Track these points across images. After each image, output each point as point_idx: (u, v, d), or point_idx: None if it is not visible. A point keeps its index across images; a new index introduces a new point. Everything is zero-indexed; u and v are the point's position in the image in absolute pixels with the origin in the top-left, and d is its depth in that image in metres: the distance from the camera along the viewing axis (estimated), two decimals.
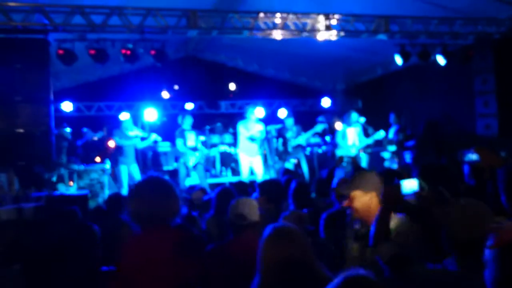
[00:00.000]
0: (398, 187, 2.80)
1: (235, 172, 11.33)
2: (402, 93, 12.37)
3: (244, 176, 9.35)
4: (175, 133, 9.66)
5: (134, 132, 9.67)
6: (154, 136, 9.97)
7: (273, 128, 11.03)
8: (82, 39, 7.42)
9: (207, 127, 12.17)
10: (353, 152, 9.75)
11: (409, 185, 2.85)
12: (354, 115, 10.04)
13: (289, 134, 9.98)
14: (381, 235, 2.68)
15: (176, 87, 14.18)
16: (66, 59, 7.53)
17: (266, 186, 4.61)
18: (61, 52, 7.42)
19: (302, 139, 10.01)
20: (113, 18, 7.40)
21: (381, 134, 9.84)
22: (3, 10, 6.84)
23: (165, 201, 2.42)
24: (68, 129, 10.48)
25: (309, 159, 11.34)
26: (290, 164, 9.67)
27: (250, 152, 9.40)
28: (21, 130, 6.75)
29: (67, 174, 8.90)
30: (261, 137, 9.49)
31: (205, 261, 2.89)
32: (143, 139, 9.83)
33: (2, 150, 6.72)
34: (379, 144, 10.90)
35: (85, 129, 11.48)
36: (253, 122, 9.51)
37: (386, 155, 11.02)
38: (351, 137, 9.92)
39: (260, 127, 9.49)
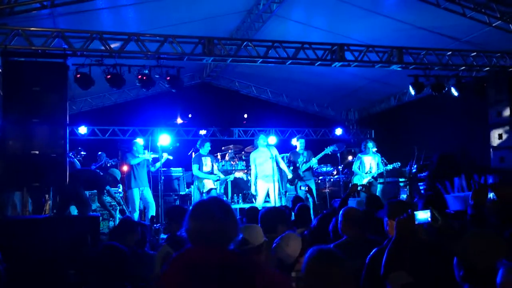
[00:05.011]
0: (411, 218, 2.79)
1: (246, 199, 11.30)
2: (416, 124, 12.34)
3: (259, 201, 9.35)
4: (192, 158, 9.70)
5: (146, 155, 9.74)
6: (166, 155, 10.01)
7: (285, 155, 11.02)
8: (99, 64, 7.55)
9: (219, 153, 12.22)
10: (368, 180, 9.72)
11: (422, 216, 2.84)
12: (370, 144, 10.04)
13: (300, 159, 9.95)
14: (393, 264, 2.66)
15: (189, 116, 14.32)
16: (84, 83, 7.64)
17: (263, 216, 4.59)
18: (78, 76, 7.55)
19: (313, 162, 9.92)
20: (131, 44, 7.55)
21: (398, 164, 9.80)
22: (24, 35, 7.03)
23: (222, 222, 2.40)
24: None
25: (321, 188, 11.29)
26: (301, 192, 9.62)
27: (266, 178, 9.42)
28: (36, 152, 6.81)
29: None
30: (272, 161, 9.46)
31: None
32: (155, 160, 9.89)
33: (17, 171, 6.77)
34: (395, 174, 10.84)
35: (100, 153, 11.58)
36: (263, 148, 9.53)
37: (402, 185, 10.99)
38: (368, 165, 9.92)
39: (268, 153, 9.46)
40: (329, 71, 10.60)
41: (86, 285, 3.13)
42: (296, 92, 14.54)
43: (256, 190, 9.68)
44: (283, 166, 9.79)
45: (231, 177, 10.66)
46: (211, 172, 9.67)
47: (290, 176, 9.80)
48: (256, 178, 9.60)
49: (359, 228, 3.95)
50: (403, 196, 10.40)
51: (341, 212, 4.08)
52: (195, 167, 9.55)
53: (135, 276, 3.51)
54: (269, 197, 9.50)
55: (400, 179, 11.17)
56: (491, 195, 4.09)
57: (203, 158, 9.66)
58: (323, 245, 2.61)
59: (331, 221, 4.54)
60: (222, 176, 10.06)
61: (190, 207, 2.50)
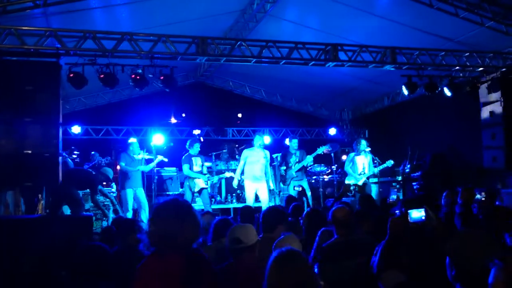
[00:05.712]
0: (405, 217, 2.79)
1: (240, 198, 11.30)
2: (409, 124, 12.39)
3: (249, 202, 9.28)
4: (182, 158, 9.68)
5: (140, 156, 9.70)
6: (160, 157, 9.97)
7: (278, 155, 11.02)
8: (92, 63, 7.50)
9: (213, 153, 12.21)
10: (361, 180, 9.67)
11: (416, 215, 2.84)
12: (363, 143, 9.95)
13: (292, 159, 9.91)
14: (386, 263, 2.66)
15: (183, 115, 14.31)
16: (77, 82, 7.59)
17: (265, 215, 4.62)
18: (72, 75, 7.50)
19: (308, 160, 9.86)
20: (124, 43, 7.52)
21: (390, 162, 9.76)
22: (17, 34, 6.99)
23: (181, 225, 2.42)
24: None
25: (315, 187, 11.28)
26: (294, 192, 9.59)
27: (254, 178, 9.36)
28: (29, 151, 6.78)
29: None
30: (265, 163, 9.44)
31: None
32: (149, 161, 9.85)
33: (10, 170, 6.73)
34: (389, 174, 10.85)
35: (93, 152, 11.53)
36: (258, 149, 9.50)
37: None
38: (360, 165, 9.84)
39: (262, 153, 9.46)
40: (323, 71, 10.60)
41: (77, 286, 3.12)
42: (290, 92, 14.54)
43: (238, 184, 9.82)
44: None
45: (215, 179, 10.61)
46: (201, 172, 9.65)
47: (272, 187, 9.77)
48: (242, 175, 9.56)
49: (348, 228, 3.95)
50: (393, 197, 10.42)
51: (330, 212, 4.09)
52: (185, 167, 9.52)
53: (128, 275, 3.49)
54: (259, 198, 9.45)
55: (394, 179, 11.20)
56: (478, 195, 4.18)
57: (193, 158, 9.62)
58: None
59: (319, 218, 4.58)
60: (210, 177, 10.03)
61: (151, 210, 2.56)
